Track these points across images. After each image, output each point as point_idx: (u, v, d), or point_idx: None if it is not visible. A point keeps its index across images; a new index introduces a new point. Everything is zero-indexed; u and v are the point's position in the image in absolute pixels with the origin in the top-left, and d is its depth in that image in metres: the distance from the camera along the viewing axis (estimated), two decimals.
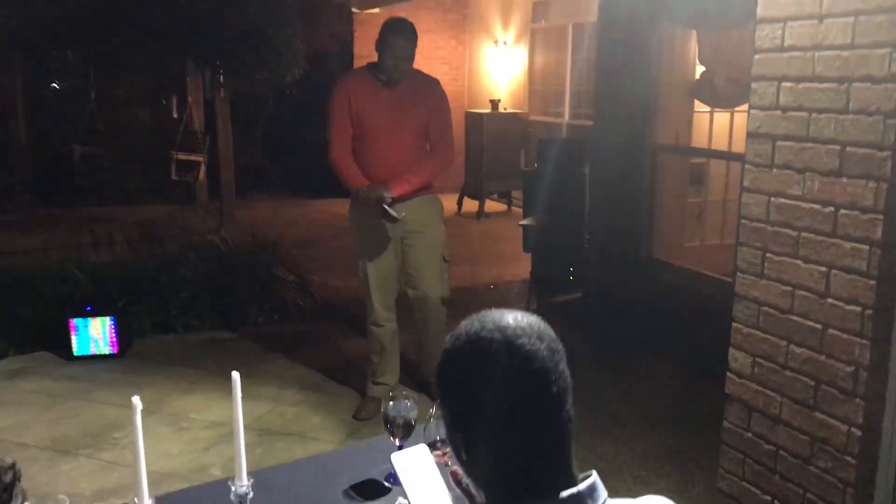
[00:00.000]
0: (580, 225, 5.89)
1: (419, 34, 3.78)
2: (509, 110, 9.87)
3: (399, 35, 3.68)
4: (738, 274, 2.53)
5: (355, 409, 4.05)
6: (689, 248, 5.67)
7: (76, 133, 10.16)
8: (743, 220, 2.50)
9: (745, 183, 2.50)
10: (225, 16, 6.99)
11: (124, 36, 7.32)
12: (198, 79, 8.71)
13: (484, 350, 1.19)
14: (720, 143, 6.04)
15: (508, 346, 1.19)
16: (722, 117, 5.99)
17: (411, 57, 3.73)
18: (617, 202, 5.60)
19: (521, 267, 6.43)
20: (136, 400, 1.72)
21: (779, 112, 2.38)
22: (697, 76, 5.56)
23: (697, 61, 5.54)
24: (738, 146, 3.96)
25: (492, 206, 9.61)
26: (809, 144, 2.30)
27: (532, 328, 1.22)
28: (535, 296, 5.77)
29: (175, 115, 9.87)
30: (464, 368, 1.21)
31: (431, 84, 3.90)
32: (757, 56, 2.44)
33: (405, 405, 1.91)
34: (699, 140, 5.89)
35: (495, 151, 9.29)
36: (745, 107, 2.46)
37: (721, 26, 4.89)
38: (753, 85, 2.47)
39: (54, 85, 10.53)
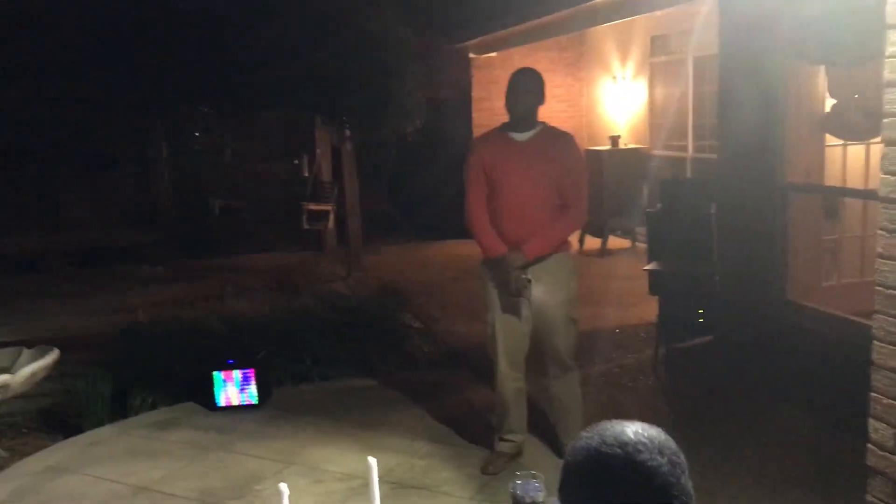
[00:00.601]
0: (708, 266, 5.75)
1: None
2: (630, 146, 9.76)
3: (519, 73, 3.82)
4: (875, 343, 2.43)
5: (483, 462, 4.05)
6: (825, 287, 5.42)
7: (215, 187, 10.85)
8: (878, 288, 2.41)
9: (880, 249, 2.41)
10: (350, 71, 7.31)
11: (258, 94, 7.79)
12: (325, 132, 9.14)
13: (604, 466, 1.21)
14: (855, 177, 5.77)
15: (629, 462, 1.20)
16: (856, 149, 5.73)
17: (533, 92, 3.76)
18: (746, 241, 5.43)
19: (648, 308, 6.25)
20: (283, 487, 1.84)
21: None
22: (827, 108, 5.35)
23: (827, 93, 5.33)
24: (875, 181, 3.81)
25: (614, 242, 9.49)
26: None
27: (653, 442, 1.23)
28: (663, 340, 5.66)
29: (305, 168, 10.37)
30: (585, 484, 1.23)
31: (564, 139, 3.87)
32: (886, 120, 2.36)
33: (533, 486, 1.93)
34: (832, 173, 5.64)
35: (617, 188, 9.21)
36: (880, 139, 2.37)
37: (852, 61, 4.70)
38: (885, 149, 2.38)
39: (197, 135, 11.26)
